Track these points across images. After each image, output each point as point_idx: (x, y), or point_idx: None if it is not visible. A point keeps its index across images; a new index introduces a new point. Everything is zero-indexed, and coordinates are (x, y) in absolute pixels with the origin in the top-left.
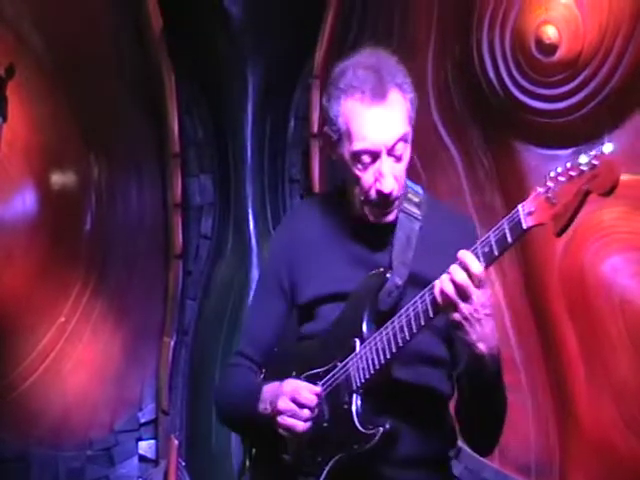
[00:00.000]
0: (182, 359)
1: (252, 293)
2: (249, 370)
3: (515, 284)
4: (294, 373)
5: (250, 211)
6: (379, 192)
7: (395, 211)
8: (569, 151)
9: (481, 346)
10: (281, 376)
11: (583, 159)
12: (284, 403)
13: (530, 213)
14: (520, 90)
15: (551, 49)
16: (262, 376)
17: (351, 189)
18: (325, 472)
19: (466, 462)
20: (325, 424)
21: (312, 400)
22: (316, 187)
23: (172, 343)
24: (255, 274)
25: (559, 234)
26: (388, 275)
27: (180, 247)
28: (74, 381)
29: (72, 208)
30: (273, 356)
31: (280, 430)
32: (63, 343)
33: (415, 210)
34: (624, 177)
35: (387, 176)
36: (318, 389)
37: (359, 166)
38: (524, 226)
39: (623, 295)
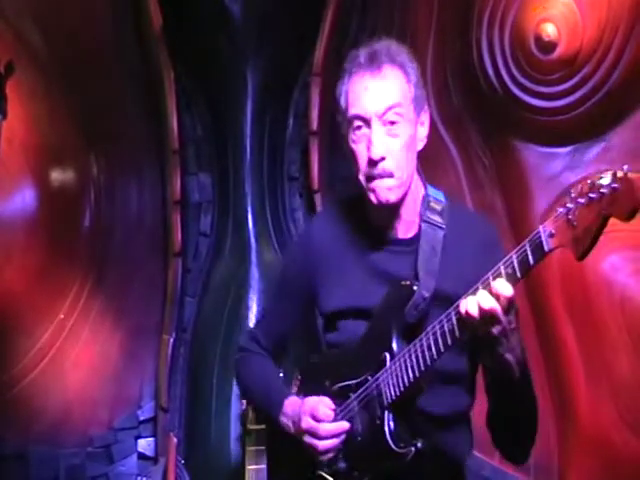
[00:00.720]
0: (181, 357)
1: (251, 289)
2: (262, 361)
3: None
4: (327, 383)
5: (249, 209)
6: (370, 160)
7: (395, 192)
8: (568, 149)
9: (509, 357)
10: (315, 385)
11: (604, 180)
12: (306, 423)
13: (551, 235)
14: (519, 88)
15: (550, 47)
16: (298, 384)
17: (355, 175)
18: None
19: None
20: (359, 438)
21: (329, 415)
22: (315, 185)
23: (171, 341)
24: (254, 271)
25: (580, 258)
26: (415, 287)
27: (179, 245)
28: (73, 379)
29: (71, 205)
30: (308, 364)
31: (307, 448)
32: (62, 341)
33: (438, 219)
34: None
35: (376, 143)
36: (332, 404)
37: (354, 137)
38: (546, 248)
39: (623, 293)
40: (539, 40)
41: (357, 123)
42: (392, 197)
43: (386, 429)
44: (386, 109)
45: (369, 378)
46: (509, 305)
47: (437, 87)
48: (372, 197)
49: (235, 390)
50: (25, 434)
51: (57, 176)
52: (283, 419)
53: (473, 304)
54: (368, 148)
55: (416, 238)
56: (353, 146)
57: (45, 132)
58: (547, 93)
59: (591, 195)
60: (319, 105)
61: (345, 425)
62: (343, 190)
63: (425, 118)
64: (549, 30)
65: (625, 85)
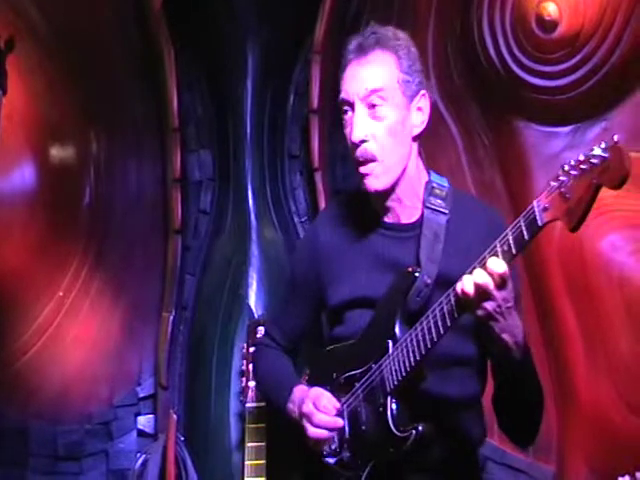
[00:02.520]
0: (181, 334)
1: (251, 266)
2: (278, 355)
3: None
4: (334, 375)
5: (249, 187)
6: (351, 142)
7: (383, 179)
8: (569, 128)
9: (506, 337)
10: (323, 378)
11: (595, 151)
12: (306, 407)
13: (545, 209)
14: (520, 67)
15: (551, 26)
16: (307, 377)
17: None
18: (363, 476)
19: None
20: (363, 427)
21: (329, 410)
22: (315, 163)
23: (171, 318)
24: (254, 249)
25: (573, 230)
26: (417, 274)
27: (179, 222)
28: (73, 355)
29: (71, 182)
30: (315, 359)
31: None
32: (62, 317)
33: (441, 203)
34: None
35: (357, 124)
36: (338, 404)
37: (344, 122)
38: (539, 223)
39: (621, 272)
40: (540, 19)
41: (344, 107)
42: (379, 185)
43: (388, 414)
44: (369, 92)
45: (373, 366)
46: (502, 282)
47: (438, 66)
48: (362, 184)
49: (235, 367)
50: (25, 410)
51: (57, 153)
52: (290, 405)
53: (469, 282)
54: (350, 131)
55: (419, 223)
56: (345, 132)
57: (45, 109)
58: (548, 72)
59: (583, 167)
60: (320, 83)
61: (340, 423)
62: (342, 168)
63: (423, 104)
64: (550, 9)
65: (626, 65)
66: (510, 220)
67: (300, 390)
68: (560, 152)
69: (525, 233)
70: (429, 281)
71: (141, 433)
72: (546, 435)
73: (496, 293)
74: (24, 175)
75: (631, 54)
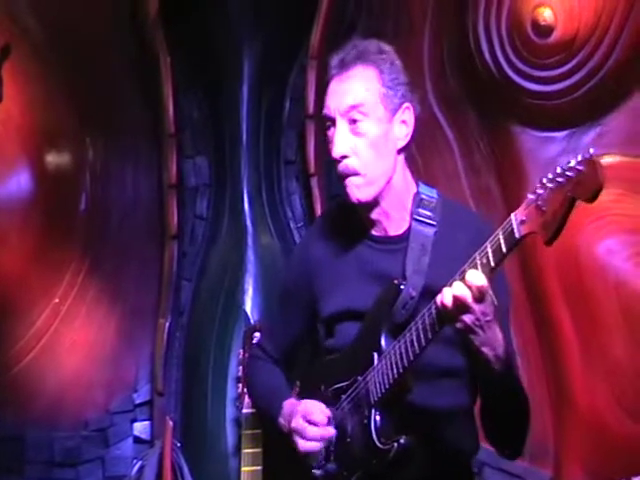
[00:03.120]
0: (177, 340)
1: (247, 272)
2: (269, 368)
3: (511, 266)
4: (322, 387)
5: (245, 192)
6: (332, 157)
7: (365, 190)
8: (564, 133)
9: (485, 350)
10: (312, 390)
11: (571, 164)
12: (296, 422)
13: (522, 222)
14: (516, 72)
15: (547, 31)
16: (297, 390)
17: None
18: None
19: None
20: (348, 439)
21: (322, 420)
22: (311, 168)
23: (167, 324)
24: (250, 255)
25: (547, 243)
26: (402, 287)
27: (175, 228)
28: (69, 362)
29: (67, 188)
30: (306, 371)
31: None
32: (58, 324)
33: (429, 214)
34: (620, 159)
35: (337, 141)
36: (328, 412)
37: (327, 137)
38: (517, 235)
39: (617, 277)
40: (536, 24)
41: (327, 123)
42: (362, 196)
43: (372, 426)
44: (348, 107)
45: (359, 379)
46: (480, 295)
47: (434, 71)
48: (346, 195)
49: (231, 373)
50: (21, 416)
51: (53, 159)
52: (280, 420)
53: (448, 295)
54: (331, 146)
55: (406, 235)
56: (329, 146)
57: (41, 115)
58: (544, 77)
59: (559, 179)
60: (315, 88)
61: (331, 431)
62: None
63: (407, 116)
64: (546, 14)
65: (621, 70)
66: None
67: (289, 405)
68: (556, 157)
69: (503, 246)
70: (414, 293)
71: (137, 439)
72: (543, 439)
73: (475, 306)
74: (20, 181)
75: (626, 59)
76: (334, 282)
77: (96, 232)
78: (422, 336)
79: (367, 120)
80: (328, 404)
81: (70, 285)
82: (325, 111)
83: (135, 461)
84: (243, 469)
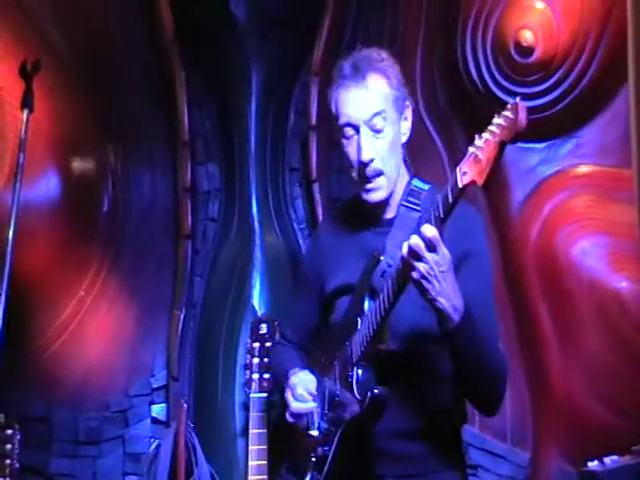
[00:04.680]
0: (191, 330)
1: (255, 269)
2: (285, 351)
3: (494, 262)
4: (323, 359)
5: (253, 196)
6: (360, 162)
7: (384, 190)
8: (543, 145)
9: (442, 301)
10: (314, 363)
11: (503, 112)
12: (287, 393)
13: (465, 173)
14: (500, 88)
15: (528, 51)
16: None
17: (350, 173)
18: (334, 442)
19: None
20: (337, 398)
21: (305, 398)
22: (313, 175)
23: (181, 316)
24: (258, 253)
25: (483, 185)
26: (381, 258)
27: (189, 228)
28: (93, 349)
29: (90, 192)
30: (313, 350)
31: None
32: (83, 315)
33: (417, 201)
34: (594, 169)
35: (364, 146)
36: (312, 388)
37: (345, 141)
38: (460, 185)
39: (591, 276)
40: (518, 45)
41: (347, 129)
42: (383, 195)
43: (353, 381)
44: (372, 116)
45: (347, 343)
46: (432, 245)
47: (425, 87)
48: (365, 196)
49: (240, 361)
50: (49, 398)
51: (78, 165)
52: (287, 390)
53: (405, 246)
54: (358, 152)
55: (394, 218)
56: (346, 149)
57: (67, 125)
58: (525, 93)
59: (492, 129)
60: (317, 102)
61: (311, 405)
62: (338, 180)
63: (408, 113)
64: (527, 36)
65: (596, 87)
66: (489, 228)
67: (290, 375)
68: (536, 166)
69: (450, 197)
70: (391, 263)
71: (155, 420)
72: (522, 424)
73: (427, 255)
74: (49, 186)
75: (600, 77)
76: (337, 264)
77: (117, 232)
78: (391, 292)
79: (387, 124)
80: (326, 373)
81: (93, 280)
82: (345, 119)
83: (152, 440)
84: (251, 447)
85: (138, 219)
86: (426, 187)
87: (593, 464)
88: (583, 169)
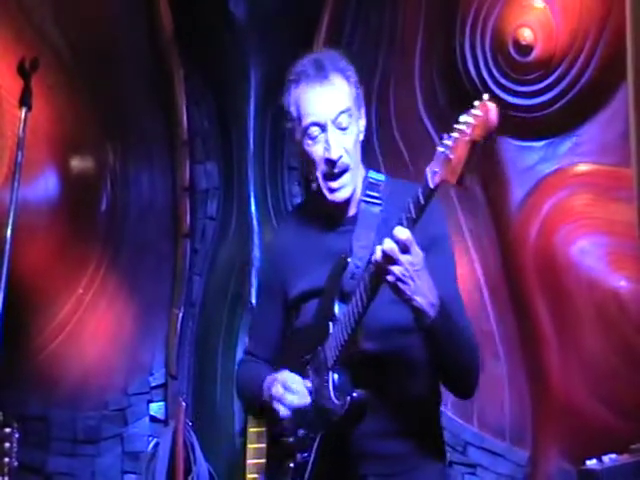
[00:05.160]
0: (189, 329)
1: (253, 267)
2: (257, 364)
3: (493, 261)
4: (292, 364)
5: (252, 195)
6: (328, 160)
7: (349, 187)
8: (542, 143)
9: (419, 299)
10: (282, 367)
11: (472, 111)
12: (275, 389)
13: (435, 173)
14: (499, 87)
15: (527, 50)
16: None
17: (312, 174)
18: (314, 447)
19: (447, 425)
20: (313, 404)
21: (301, 392)
22: None
23: (180, 314)
24: (256, 252)
25: (457, 184)
26: (349, 260)
27: (188, 227)
28: (91, 348)
29: (89, 191)
30: (278, 353)
31: (273, 414)
32: (81, 313)
33: (376, 195)
34: (593, 167)
35: (333, 144)
36: (309, 383)
37: (309, 141)
38: (431, 186)
39: (590, 275)
40: (517, 43)
41: (313, 129)
42: (348, 193)
43: (330, 386)
44: (338, 114)
45: (319, 348)
46: (405, 247)
47: (424, 85)
48: (330, 196)
49: (238, 359)
50: (47, 398)
51: (77, 164)
52: (263, 393)
53: (378, 251)
54: (326, 150)
55: (356, 215)
56: (309, 149)
57: (66, 124)
58: (524, 92)
59: (461, 128)
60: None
61: (307, 400)
62: None
63: (362, 112)
64: (526, 34)
65: (594, 85)
66: (487, 225)
67: (270, 377)
68: (535, 165)
69: (421, 198)
70: (360, 264)
71: (153, 419)
72: (522, 423)
73: (402, 257)
74: (47, 184)
75: (599, 76)
76: (300, 268)
77: (116, 230)
78: (364, 296)
79: (351, 121)
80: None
81: (92, 278)
82: (311, 119)
83: (151, 438)
84: (249, 446)
85: (137, 218)
86: (382, 177)
87: (592, 463)
88: (582, 168)
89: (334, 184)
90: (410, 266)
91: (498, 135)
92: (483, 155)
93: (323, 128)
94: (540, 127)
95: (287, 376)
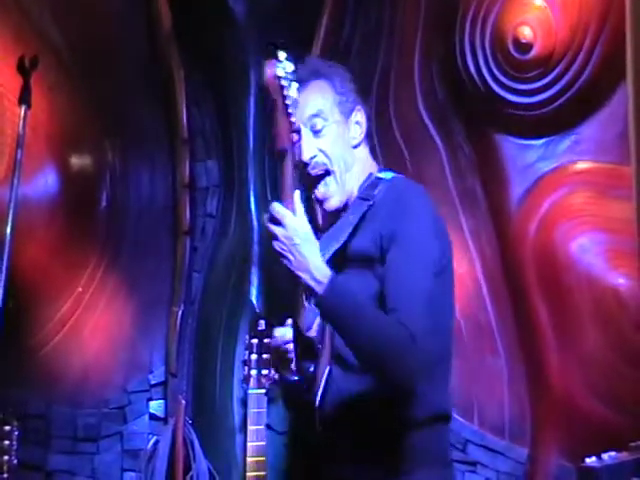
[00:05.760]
0: (189, 327)
1: (253, 265)
2: None
3: (493, 258)
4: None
5: (252, 193)
6: (302, 162)
7: (337, 197)
8: (542, 141)
9: (304, 276)
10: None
11: None
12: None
13: None
14: (499, 85)
15: (527, 48)
16: None
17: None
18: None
19: None
20: None
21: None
22: None
23: (180, 312)
24: (256, 250)
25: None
26: None
27: (188, 225)
28: (91, 346)
29: (89, 188)
30: None
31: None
32: (81, 311)
33: (371, 192)
34: (592, 165)
35: (305, 146)
36: None
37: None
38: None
39: (589, 272)
40: (516, 41)
41: (294, 133)
42: (336, 202)
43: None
44: (310, 116)
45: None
46: (275, 219)
47: (424, 84)
48: (313, 194)
49: (238, 356)
50: (47, 395)
51: (76, 161)
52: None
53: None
54: (300, 152)
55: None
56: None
57: (66, 121)
58: (523, 90)
59: None
60: None
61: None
62: None
63: (360, 117)
64: (526, 32)
65: (594, 83)
66: (487, 223)
67: None
68: (534, 162)
69: None
70: (323, 254)
71: (153, 417)
72: (521, 420)
73: (275, 230)
74: (47, 182)
75: (599, 74)
76: None
77: (115, 228)
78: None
79: (327, 124)
80: None
81: (92, 276)
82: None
83: (151, 436)
84: (249, 444)
85: (136, 215)
86: (388, 175)
87: (591, 460)
88: (582, 166)
89: (318, 193)
90: (286, 239)
91: (497, 133)
92: (483, 153)
93: (299, 132)
94: (539, 125)
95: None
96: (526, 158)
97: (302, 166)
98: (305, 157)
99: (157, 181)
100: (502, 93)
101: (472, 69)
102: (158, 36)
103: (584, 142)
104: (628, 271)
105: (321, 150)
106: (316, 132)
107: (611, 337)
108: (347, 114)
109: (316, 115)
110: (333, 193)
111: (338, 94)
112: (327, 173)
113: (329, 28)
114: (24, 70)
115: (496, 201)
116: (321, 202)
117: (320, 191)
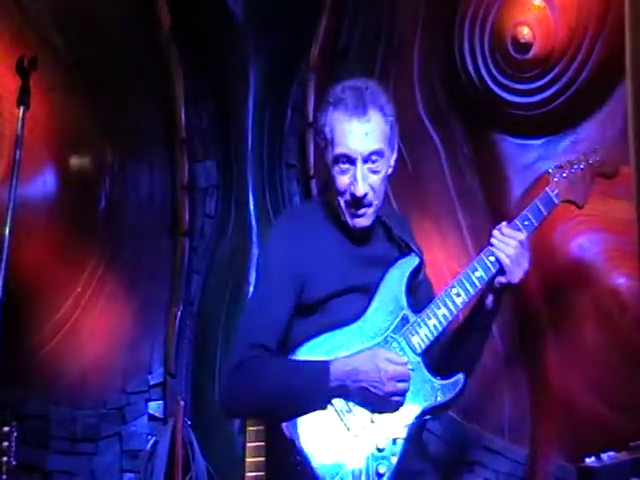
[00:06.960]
0: (188, 328)
1: (252, 265)
2: (277, 359)
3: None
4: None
5: (250, 193)
6: (352, 195)
7: (371, 217)
8: (541, 141)
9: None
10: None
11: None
12: (381, 368)
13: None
14: (498, 85)
15: (526, 48)
16: None
17: (333, 194)
18: None
19: (447, 423)
20: None
21: (404, 359)
22: (311, 171)
23: (179, 313)
24: (255, 250)
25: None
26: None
27: (187, 225)
28: (90, 347)
29: (88, 189)
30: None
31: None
32: (80, 312)
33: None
34: None
35: (359, 181)
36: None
37: (337, 169)
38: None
39: (588, 271)
40: (515, 41)
41: (342, 160)
42: (368, 223)
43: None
44: (370, 153)
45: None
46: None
47: (424, 84)
48: (351, 222)
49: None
50: (46, 396)
51: (75, 162)
52: (335, 384)
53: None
54: (352, 184)
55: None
56: (337, 176)
57: (64, 122)
58: (522, 90)
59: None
60: (314, 99)
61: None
62: None
63: (395, 147)
64: (525, 32)
65: (593, 83)
66: (487, 222)
67: (342, 363)
68: (533, 162)
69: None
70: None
71: (152, 417)
72: (521, 421)
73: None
74: (46, 182)
75: (597, 74)
76: (328, 267)
77: (114, 228)
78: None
79: (381, 160)
80: None
81: (91, 276)
82: (343, 150)
83: (150, 437)
84: (248, 445)
85: (136, 216)
86: None
87: (591, 460)
88: None
89: (357, 212)
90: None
91: (497, 133)
92: (482, 152)
93: (353, 162)
94: (539, 125)
95: (383, 352)
96: (525, 158)
97: (353, 198)
98: (359, 193)
99: (156, 182)
100: (501, 93)
101: (471, 69)
102: (157, 36)
103: (582, 142)
104: (628, 271)
105: (372, 187)
106: (371, 167)
107: (611, 337)
108: (392, 146)
109: (376, 153)
110: (369, 215)
111: (389, 127)
112: (370, 205)
113: (328, 29)
114: (23, 71)
115: (495, 201)
116: (353, 217)
117: (358, 220)
